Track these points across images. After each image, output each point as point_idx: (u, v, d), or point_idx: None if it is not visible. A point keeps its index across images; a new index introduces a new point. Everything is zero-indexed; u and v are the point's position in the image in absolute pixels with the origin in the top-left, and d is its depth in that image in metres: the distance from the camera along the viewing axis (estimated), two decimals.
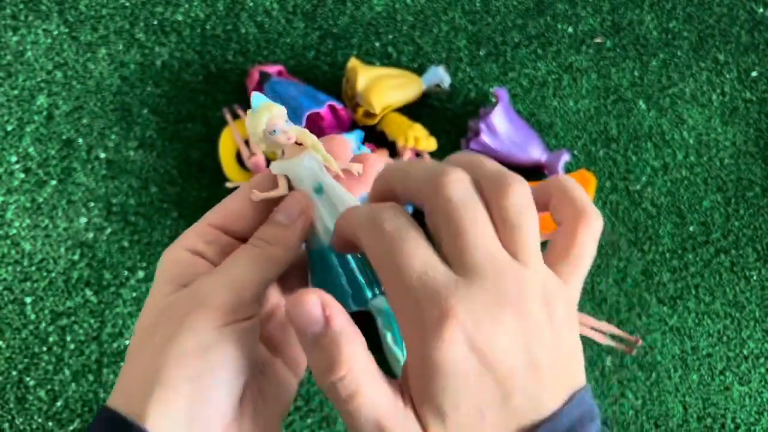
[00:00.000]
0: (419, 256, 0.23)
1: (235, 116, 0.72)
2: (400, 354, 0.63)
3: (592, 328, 0.69)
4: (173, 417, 0.24)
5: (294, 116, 0.67)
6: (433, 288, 0.22)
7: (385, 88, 0.69)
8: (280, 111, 0.33)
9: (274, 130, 0.34)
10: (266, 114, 0.33)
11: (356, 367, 0.23)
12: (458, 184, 0.24)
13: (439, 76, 0.73)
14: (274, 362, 0.30)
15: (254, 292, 0.27)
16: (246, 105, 0.73)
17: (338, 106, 0.68)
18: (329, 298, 0.24)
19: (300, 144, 0.34)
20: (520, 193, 0.24)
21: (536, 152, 0.71)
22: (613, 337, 0.70)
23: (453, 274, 0.23)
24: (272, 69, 0.72)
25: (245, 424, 0.27)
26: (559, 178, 0.26)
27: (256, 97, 0.34)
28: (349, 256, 0.33)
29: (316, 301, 0.24)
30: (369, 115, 0.71)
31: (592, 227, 0.25)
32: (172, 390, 0.24)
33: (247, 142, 0.70)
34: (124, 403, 0.25)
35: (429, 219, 0.25)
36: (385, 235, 0.24)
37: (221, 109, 0.73)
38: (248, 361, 0.26)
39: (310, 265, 0.32)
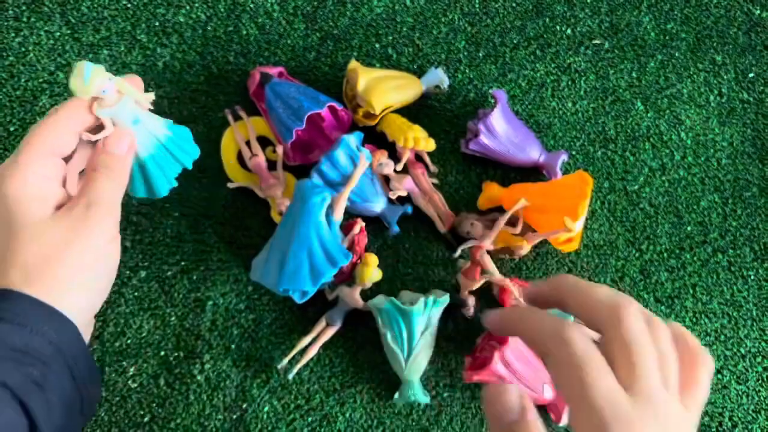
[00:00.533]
0: (606, 379, 0.28)
1: (237, 117, 0.72)
2: (400, 353, 0.64)
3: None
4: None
5: (295, 116, 0.67)
6: (619, 409, 0.27)
7: (385, 89, 0.70)
8: (103, 74, 0.50)
9: (104, 90, 0.50)
10: (97, 79, 0.49)
11: None
12: (635, 318, 0.31)
13: (438, 77, 0.74)
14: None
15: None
16: (247, 105, 0.73)
17: (338, 107, 0.69)
18: (524, 390, 0.30)
19: (119, 92, 0.51)
20: (666, 335, 0.31)
21: (535, 153, 0.72)
22: None
23: (630, 398, 0.28)
24: (273, 71, 0.72)
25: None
26: (681, 332, 0.33)
27: (87, 66, 0.49)
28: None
29: (516, 392, 0.29)
30: (369, 116, 0.72)
31: (708, 368, 0.32)
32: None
33: (248, 143, 0.71)
34: None
35: (605, 347, 0.30)
36: (576, 355, 0.28)
37: (223, 110, 0.73)
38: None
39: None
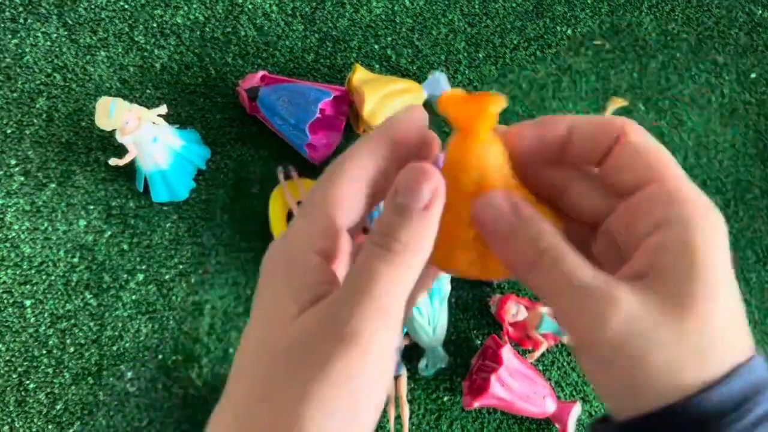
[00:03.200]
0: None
1: (288, 177, 0.71)
2: (426, 325, 0.66)
3: None
4: None
5: (297, 130, 0.68)
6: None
7: (388, 110, 0.70)
8: (125, 107, 0.60)
9: (127, 121, 0.62)
10: (121, 113, 0.58)
11: (555, 235, 0.23)
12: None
13: (441, 86, 0.73)
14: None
15: (402, 316, 0.22)
16: (246, 116, 0.73)
17: (329, 99, 0.69)
18: (512, 192, 0.23)
19: (139, 118, 0.61)
20: None
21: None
22: None
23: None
24: (254, 79, 0.71)
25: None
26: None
27: (110, 103, 0.61)
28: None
29: (503, 195, 0.23)
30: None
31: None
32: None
33: (299, 203, 0.70)
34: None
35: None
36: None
37: (216, 116, 0.72)
38: (385, 390, 0.22)
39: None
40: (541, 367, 0.70)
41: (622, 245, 0.24)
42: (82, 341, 0.68)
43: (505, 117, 0.76)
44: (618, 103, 0.67)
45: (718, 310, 0.21)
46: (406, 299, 0.22)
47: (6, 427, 0.67)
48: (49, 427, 0.67)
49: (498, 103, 0.23)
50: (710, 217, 0.23)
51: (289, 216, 0.71)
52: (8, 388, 0.67)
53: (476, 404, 0.63)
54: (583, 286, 0.21)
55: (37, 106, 0.73)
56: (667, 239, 0.22)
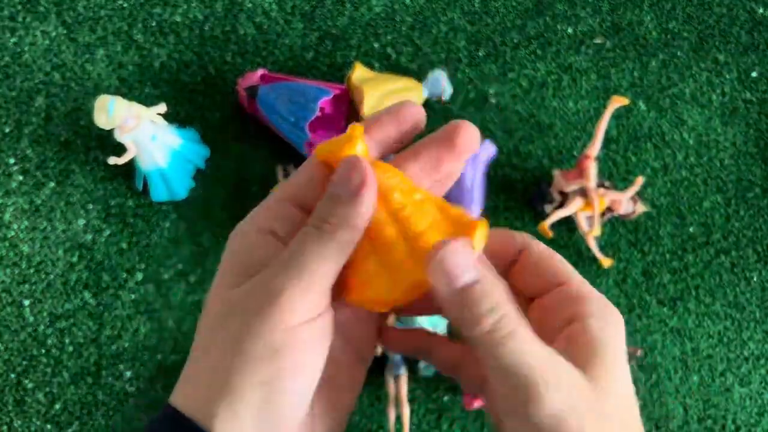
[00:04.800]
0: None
1: (287, 175, 0.71)
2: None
3: None
4: (242, 423, 0.23)
5: (297, 128, 0.68)
6: None
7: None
8: (124, 105, 0.60)
9: (127, 120, 0.61)
10: (120, 111, 0.58)
11: (512, 310, 0.24)
12: None
13: (441, 87, 0.73)
14: (343, 349, 0.28)
15: (326, 285, 0.25)
16: (245, 117, 0.73)
17: (329, 97, 0.69)
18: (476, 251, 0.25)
19: (138, 117, 0.61)
20: None
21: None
22: None
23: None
24: (254, 77, 0.71)
25: (317, 422, 0.26)
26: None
27: (109, 101, 0.60)
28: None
29: (471, 252, 0.24)
30: None
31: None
32: (241, 395, 0.23)
33: None
34: (190, 406, 0.24)
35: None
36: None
37: (218, 111, 0.72)
38: (321, 360, 0.25)
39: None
40: None
41: (538, 334, 0.26)
42: (81, 341, 0.68)
43: (506, 116, 0.76)
44: (618, 101, 0.67)
45: (621, 391, 0.25)
46: (333, 275, 0.25)
47: (5, 427, 0.66)
48: (48, 426, 0.67)
49: (357, 128, 0.26)
50: (609, 310, 0.26)
51: None
52: (7, 388, 0.67)
53: (477, 404, 0.63)
54: (529, 365, 0.23)
55: (36, 104, 0.73)
56: (579, 332, 0.25)
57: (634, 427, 0.25)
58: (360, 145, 0.26)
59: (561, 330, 0.26)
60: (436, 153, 0.28)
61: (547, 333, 0.26)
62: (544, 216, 0.70)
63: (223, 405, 0.23)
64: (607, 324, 0.26)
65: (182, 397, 0.25)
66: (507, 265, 0.28)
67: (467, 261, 0.24)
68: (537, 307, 0.27)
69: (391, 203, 0.26)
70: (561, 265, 0.27)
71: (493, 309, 0.24)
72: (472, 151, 0.28)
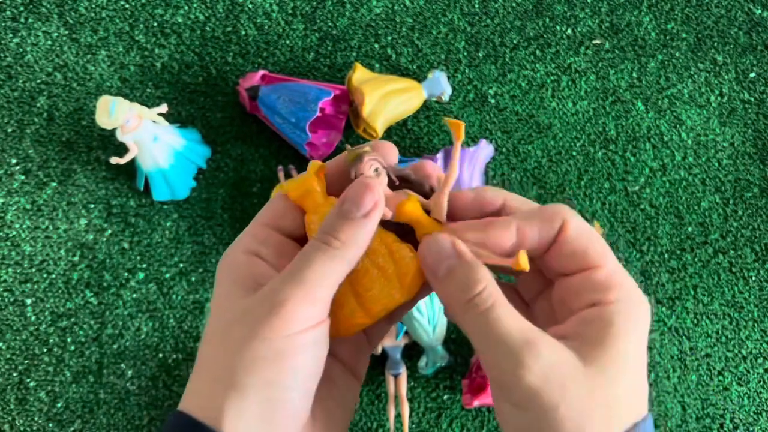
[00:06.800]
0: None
1: (288, 176, 0.72)
2: (426, 324, 0.65)
3: None
4: (248, 422, 0.24)
5: (297, 129, 0.68)
6: None
7: (388, 111, 0.70)
8: (126, 105, 0.60)
9: (128, 120, 0.61)
10: (122, 111, 0.58)
11: (491, 284, 0.25)
12: None
13: (440, 88, 0.73)
14: (337, 367, 0.30)
15: (327, 297, 0.26)
16: (253, 121, 0.73)
17: (329, 97, 0.69)
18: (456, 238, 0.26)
19: (139, 117, 0.61)
20: None
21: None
22: None
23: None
24: (255, 78, 0.71)
25: (318, 428, 0.27)
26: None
27: (110, 101, 0.60)
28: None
29: (448, 239, 0.26)
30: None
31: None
32: (247, 395, 0.24)
33: None
34: (198, 408, 0.25)
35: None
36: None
37: (219, 112, 0.72)
38: (320, 365, 0.26)
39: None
40: None
41: (557, 311, 0.27)
42: (83, 339, 0.69)
43: (505, 117, 0.76)
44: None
45: (625, 377, 0.24)
46: (335, 287, 0.26)
47: (6, 426, 0.67)
48: (50, 425, 0.67)
49: (314, 167, 0.29)
50: (635, 299, 0.26)
51: None
52: (9, 387, 0.68)
53: (476, 403, 0.63)
54: (508, 334, 0.24)
55: (38, 105, 0.73)
56: (595, 315, 0.25)
57: (631, 417, 0.24)
58: (316, 184, 0.29)
59: (579, 311, 0.26)
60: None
61: (562, 313, 0.27)
62: None
63: (229, 406, 0.24)
64: (629, 315, 0.25)
65: (191, 402, 0.26)
66: (547, 247, 0.27)
67: (444, 248, 0.26)
68: (562, 287, 0.27)
69: None
70: (598, 246, 0.27)
71: (470, 286, 0.25)
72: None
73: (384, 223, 0.28)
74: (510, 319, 0.25)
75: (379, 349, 0.67)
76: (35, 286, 0.70)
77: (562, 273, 0.27)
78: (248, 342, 0.25)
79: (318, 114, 0.67)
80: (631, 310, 0.25)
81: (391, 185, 0.29)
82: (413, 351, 0.68)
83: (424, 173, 0.30)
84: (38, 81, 0.74)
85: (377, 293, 0.28)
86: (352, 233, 0.26)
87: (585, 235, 0.27)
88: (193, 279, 0.69)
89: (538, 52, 0.80)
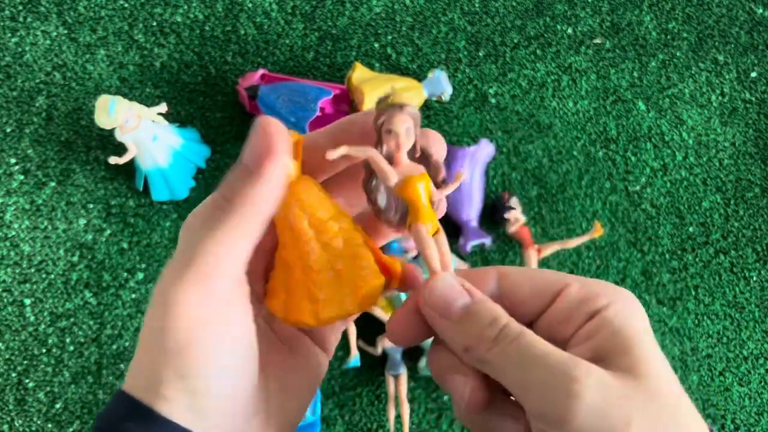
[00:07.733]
0: None
1: None
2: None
3: None
4: (179, 408, 0.24)
5: (297, 128, 0.67)
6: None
7: None
8: (125, 105, 0.60)
9: (127, 120, 0.61)
10: (121, 111, 0.59)
11: (512, 320, 0.24)
12: None
13: (441, 87, 0.73)
14: (303, 340, 0.29)
15: (230, 273, 0.25)
16: (246, 119, 0.73)
17: (329, 97, 0.69)
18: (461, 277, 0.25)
19: (138, 116, 0.61)
20: None
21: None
22: None
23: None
24: (255, 77, 0.71)
25: (274, 398, 0.27)
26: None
27: (109, 101, 0.60)
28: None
29: (454, 279, 0.25)
30: None
31: None
32: (169, 392, 0.24)
33: None
34: (136, 387, 0.25)
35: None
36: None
37: (219, 110, 0.72)
38: (241, 344, 0.25)
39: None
40: None
41: (558, 340, 0.25)
42: (82, 340, 0.68)
43: (506, 116, 0.76)
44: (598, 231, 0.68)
45: (658, 382, 0.22)
46: (241, 258, 0.25)
47: (5, 426, 0.67)
48: (49, 425, 0.67)
49: (293, 136, 0.27)
50: (623, 295, 0.25)
51: None
52: (8, 387, 0.67)
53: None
54: (550, 353, 0.22)
55: (37, 104, 0.73)
56: (599, 324, 0.24)
57: (692, 426, 0.22)
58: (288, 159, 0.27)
59: (575, 335, 0.24)
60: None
61: (560, 345, 0.24)
62: (505, 225, 0.71)
63: (162, 388, 0.24)
64: (624, 309, 0.24)
65: (130, 383, 0.25)
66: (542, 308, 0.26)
67: (453, 288, 0.24)
68: (542, 326, 0.25)
69: (315, 223, 0.26)
70: (550, 274, 0.26)
71: (495, 320, 0.24)
72: None
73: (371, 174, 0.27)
74: (543, 342, 0.23)
75: (380, 350, 0.67)
76: (34, 287, 0.70)
77: (535, 315, 0.26)
78: (159, 334, 0.24)
79: (318, 113, 0.67)
80: (626, 307, 0.24)
81: (411, 156, 0.27)
82: (413, 352, 0.68)
83: (427, 141, 0.28)
84: (37, 80, 0.74)
85: (329, 297, 0.25)
86: (248, 188, 0.25)
87: (529, 271, 0.26)
88: None
89: (538, 51, 0.79)
